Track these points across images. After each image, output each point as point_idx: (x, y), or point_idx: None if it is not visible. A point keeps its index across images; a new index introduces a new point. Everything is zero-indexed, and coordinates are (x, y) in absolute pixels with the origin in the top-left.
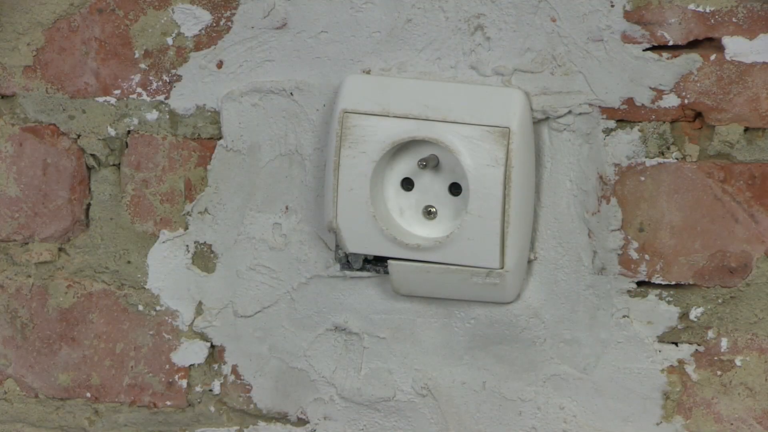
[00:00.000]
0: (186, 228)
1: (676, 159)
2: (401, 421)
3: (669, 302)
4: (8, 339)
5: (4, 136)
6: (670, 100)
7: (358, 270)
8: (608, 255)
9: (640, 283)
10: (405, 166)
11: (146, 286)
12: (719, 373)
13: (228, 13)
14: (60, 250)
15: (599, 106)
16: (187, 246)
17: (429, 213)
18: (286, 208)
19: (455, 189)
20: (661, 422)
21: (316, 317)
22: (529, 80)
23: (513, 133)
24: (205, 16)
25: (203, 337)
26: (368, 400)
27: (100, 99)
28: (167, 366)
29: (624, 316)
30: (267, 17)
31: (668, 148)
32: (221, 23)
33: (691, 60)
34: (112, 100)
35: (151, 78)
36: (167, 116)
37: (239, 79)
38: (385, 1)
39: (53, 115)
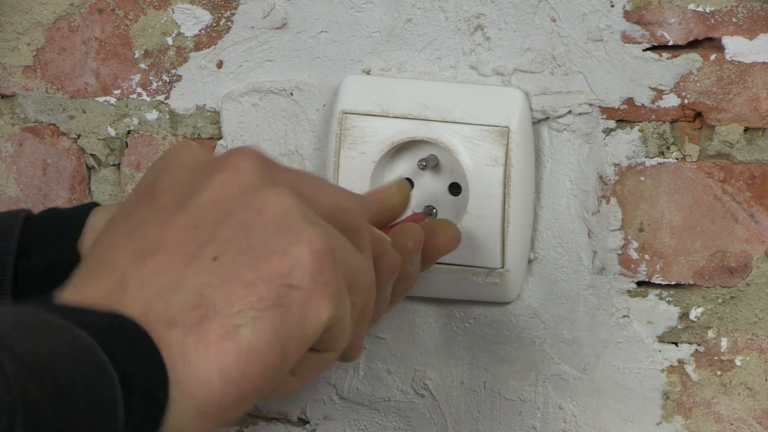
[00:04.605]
0: None
1: (676, 159)
2: (401, 422)
3: (669, 302)
4: None
5: (4, 136)
6: (670, 100)
7: None
8: (608, 255)
9: (640, 283)
10: (405, 167)
11: None
12: (719, 373)
13: (228, 13)
14: None
15: (599, 106)
16: None
17: (429, 213)
18: None
19: (455, 189)
20: (661, 422)
21: None
22: (529, 80)
23: (512, 132)
24: (205, 16)
25: None
26: (368, 400)
27: (100, 99)
28: None
29: (624, 316)
30: (267, 17)
31: (668, 148)
32: (221, 23)
33: (691, 60)
34: (112, 100)
35: (151, 78)
36: (167, 116)
37: (239, 79)
38: (385, 1)
39: (53, 115)
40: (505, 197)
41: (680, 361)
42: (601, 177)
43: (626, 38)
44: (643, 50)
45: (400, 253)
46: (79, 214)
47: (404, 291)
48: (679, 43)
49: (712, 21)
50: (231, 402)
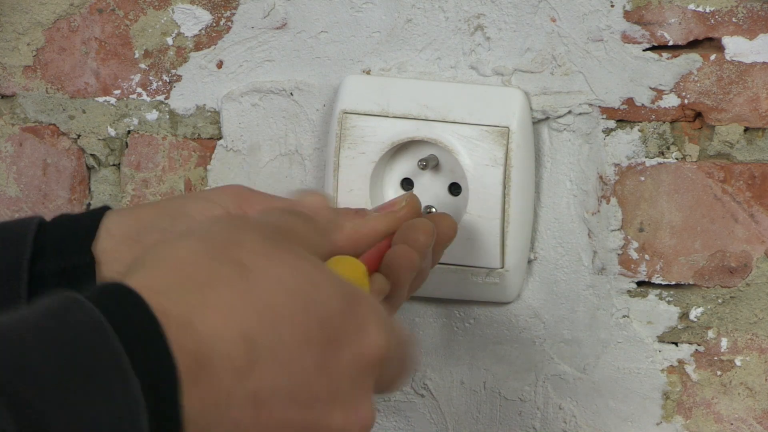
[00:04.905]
0: None
1: (676, 159)
2: (401, 422)
3: (669, 302)
4: None
5: (4, 136)
6: (670, 100)
7: None
8: (608, 255)
9: (640, 283)
10: (405, 167)
11: None
12: (719, 373)
13: (228, 13)
14: None
15: (599, 106)
16: None
17: (429, 213)
18: None
19: (455, 189)
20: (661, 422)
21: None
22: (529, 80)
23: (512, 132)
24: (205, 16)
25: None
26: None
27: (100, 99)
28: None
29: (624, 316)
30: (267, 17)
31: (668, 148)
32: (221, 23)
33: (691, 60)
34: (112, 100)
35: (151, 78)
36: (167, 116)
37: (239, 79)
38: (385, 1)
39: (53, 115)
40: (505, 197)
41: (680, 361)
42: (601, 177)
43: (626, 38)
44: (643, 50)
45: (413, 249)
46: (93, 218)
47: (417, 286)
48: (679, 43)
49: (712, 21)
50: None
